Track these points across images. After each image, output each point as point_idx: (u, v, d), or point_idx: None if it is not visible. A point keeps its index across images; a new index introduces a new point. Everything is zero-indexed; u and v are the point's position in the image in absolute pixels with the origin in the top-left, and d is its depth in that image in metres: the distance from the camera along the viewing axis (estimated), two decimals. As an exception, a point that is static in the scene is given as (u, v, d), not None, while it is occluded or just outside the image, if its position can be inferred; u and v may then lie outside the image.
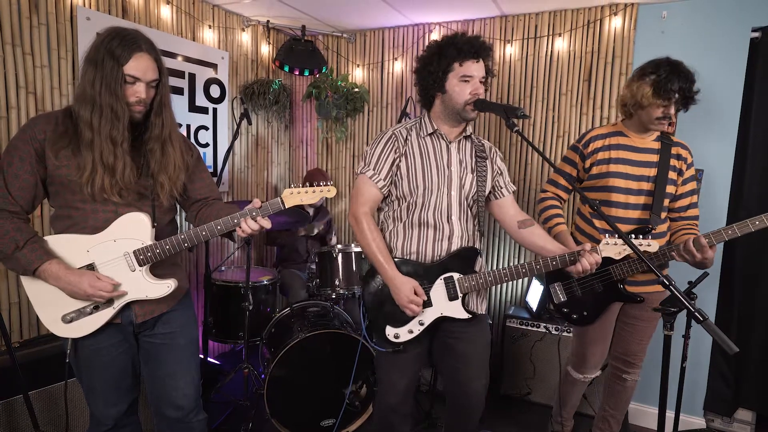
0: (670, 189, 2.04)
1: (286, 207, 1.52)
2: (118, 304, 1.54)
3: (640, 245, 1.60)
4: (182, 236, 1.54)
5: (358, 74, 3.70)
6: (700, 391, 2.86)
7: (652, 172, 2.03)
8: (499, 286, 3.38)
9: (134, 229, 1.53)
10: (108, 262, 1.52)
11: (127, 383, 1.66)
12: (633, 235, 1.65)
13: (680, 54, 2.72)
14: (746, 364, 2.79)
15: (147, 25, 2.82)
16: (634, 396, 2.89)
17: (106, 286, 1.48)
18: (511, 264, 1.76)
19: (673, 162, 2.04)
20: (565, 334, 2.89)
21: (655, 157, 2.03)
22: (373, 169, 1.74)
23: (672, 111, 1.91)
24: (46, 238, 1.50)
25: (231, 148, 2.81)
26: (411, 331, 1.76)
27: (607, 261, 1.82)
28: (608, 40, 2.95)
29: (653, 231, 2.01)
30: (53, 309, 1.52)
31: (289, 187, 1.56)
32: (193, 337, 1.74)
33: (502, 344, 3.07)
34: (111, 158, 1.45)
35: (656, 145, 2.05)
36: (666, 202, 2.05)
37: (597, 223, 2.11)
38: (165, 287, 1.56)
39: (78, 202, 1.50)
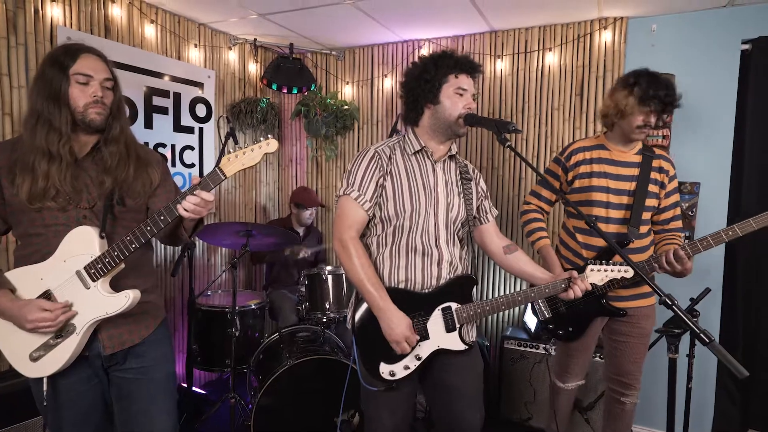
0: (651, 202, 2.07)
1: (228, 176, 1.39)
2: (80, 329, 1.46)
3: (619, 271, 1.66)
4: (128, 237, 1.45)
5: (347, 91, 3.72)
6: (708, 412, 2.82)
7: (632, 185, 2.06)
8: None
9: (81, 244, 1.46)
10: (62, 285, 1.46)
11: (96, 420, 1.58)
12: (602, 261, 1.69)
13: (671, 67, 2.81)
14: (753, 383, 2.76)
15: (130, 44, 2.84)
16: (640, 419, 2.85)
17: (46, 316, 1.40)
18: (507, 293, 1.73)
19: (654, 175, 2.07)
20: (565, 355, 2.85)
21: (635, 171, 2.07)
22: (358, 190, 1.66)
23: (653, 119, 1.97)
24: (6, 273, 1.47)
25: (219, 161, 2.79)
26: (407, 367, 1.67)
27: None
28: (599, 54, 2.99)
29: (630, 245, 2.04)
30: (19, 347, 1.46)
31: (229, 153, 1.40)
32: (169, 371, 1.66)
33: (500, 367, 3.02)
34: (44, 163, 1.42)
35: (637, 159, 2.09)
36: (648, 215, 2.08)
37: (580, 237, 2.14)
38: (123, 298, 1.45)
39: (39, 228, 1.47)
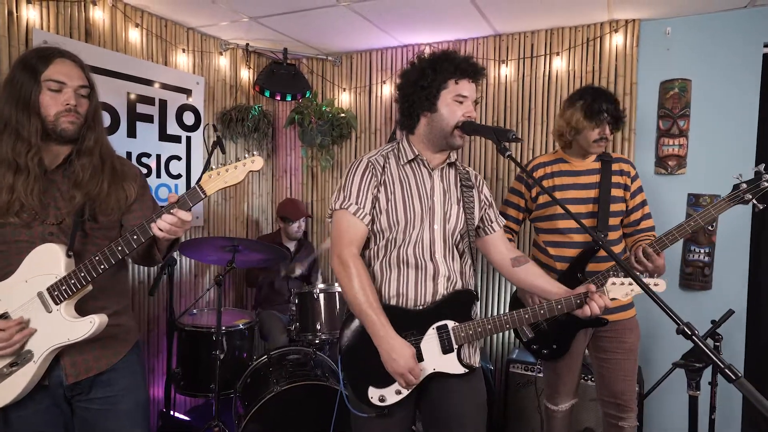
0: (618, 207, 2.12)
1: (208, 194, 1.35)
2: (38, 357, 1.37)
3: (648, 285, 1.52)
4: (96, 257, 1.38)
5: (344, 99, 3.63)
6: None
7: (595, 193, 2.12)
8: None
9: (46, 263, 1.39)
10: (21, 307, 1.38)
11: None
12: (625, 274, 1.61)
13: (688, 72, 2.74)
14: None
15: (113, 49, 2.74)
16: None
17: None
18: (512, 311, 1.60)
19: (616, 179, 2.12)
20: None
21: (596, 178, 2.13)
22: (356, 203, 1.59)
23: (607, 131, 2.05)
24: None
25: (200, 179, 2.67)
26: (399, 392, 1.57)
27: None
28: (610, 59, 2.90)
29: (602, 253, 2.05)
30: None
31: (211, 170, 1.37)
32: (139, 400, 1.57)
33: (506, 393, 2.88)
34: (9, 175, 1.35)
35: (596, 165, 2.15)
36: (616, 220, 2.14)
37: (552, 251, 2.17)
38: (87, 324, 1.37)
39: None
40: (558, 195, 2.12)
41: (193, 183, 3.05)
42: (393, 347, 1.49)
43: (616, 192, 2.11)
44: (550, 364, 2.24)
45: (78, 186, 1.44)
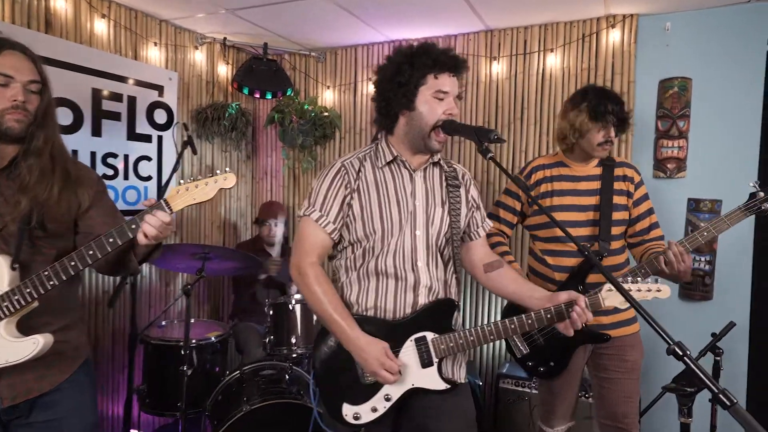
0: (620, 215, 2.01)
1: (174, 211, 1.29)
2: None
3: (649, 290, 1.50)
4: (46, 272, 1.29)
5: (328, 97, 3.51)
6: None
7: (596, 200, 2.02)
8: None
9: None
10: None
11: None
12: (630, 277, 1.56)
13: (688, 69, 2.64)
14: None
15: (77, 41, 2.59)
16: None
17: None
18: (497, 320, 1.55)
19: (618, 185, 2.02)
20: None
21: (597, 184, 2.03)
22: (320, 210, 1.53)
23: (612, 134, 1.94)
24: None
25: (169, 181, 2.54)
26: (375, 409, 1.50)
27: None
28: (606, 55, 2.81)
29: (603, 261, 1.96)
30: None
31: (180, 184, 1.30)
32: (87, 423, 1.48)
33: (496, 409, 2.77)
34: None
35: (598, 171, 2.05)
36: (619, 230, 2.02)
37: (550, 260, 2.05)
38: (30, 345, 1.28)
39: None
40: (557, 201, 2.03)
41: (164, 184, 2.91)
42: (361, 347, 1.45)
43: (618, 199, 2.00)
44: (545, 382, 2.13)
45: (24, 190, 1.34)
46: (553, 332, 1.97)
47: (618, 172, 2.03)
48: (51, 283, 1.29)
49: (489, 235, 2.07)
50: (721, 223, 1.82)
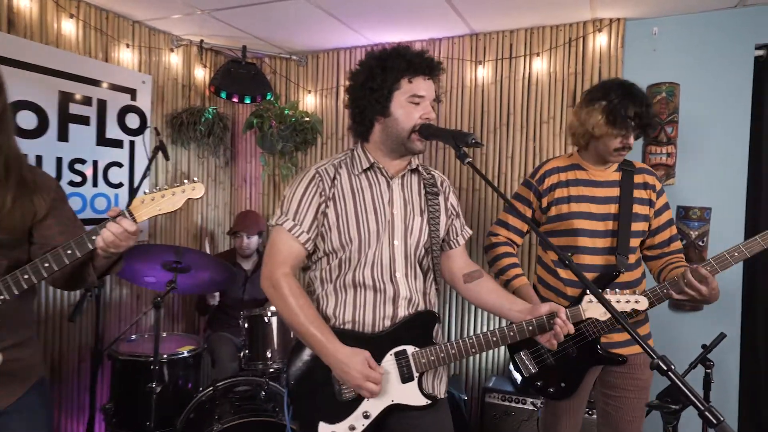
0: (640, 226, 1.85)
1: (138, 221, 1.26)
2: None
3: (628, 302, 1.50)
4: (2, 283, 1.25)
5: (309, 101, 3.44)
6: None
7: (615, 208, 1.87)
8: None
9: None
10: None
11: None
12: (610, 290, 1.54)
13: (675, 74, 2.61)
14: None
15: (42, 42, 2.49)
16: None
17: None
18: (479, 332, 1.50)
19: (638, 193, 1.87)
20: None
21: (616, 191, 1.87)
22: (293, 219, 1.47)
23: (631, 140, 1.76)
24: None
25: (138, 188, 2.44)
26: (353, 428, 1.45)
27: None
28: (593, 60, 2.78)
29: (619, 278, 1.82)
30: None
31: (145, 194, 1.27)
32: None
33: (481, 424, 2.70)
34: None
35: (617, 176, 1.88)
36: (636, 241, 1.86)
37: (562, 273, 1.91)
38: None
39: None
40: (574, 208, 1.87)
41: (137, 192, 2.80)
42: (342, 360, 1.39)
43: (639, 209, 1.84)
44: (550, 402, 2.01)
45: None
46: (565, 352, 1.86)
47: (638, 179, 1.87)
48: (1, 297, 1.24)
49: (496, 245, 2.00)
50: (755, 244, 1.69)
